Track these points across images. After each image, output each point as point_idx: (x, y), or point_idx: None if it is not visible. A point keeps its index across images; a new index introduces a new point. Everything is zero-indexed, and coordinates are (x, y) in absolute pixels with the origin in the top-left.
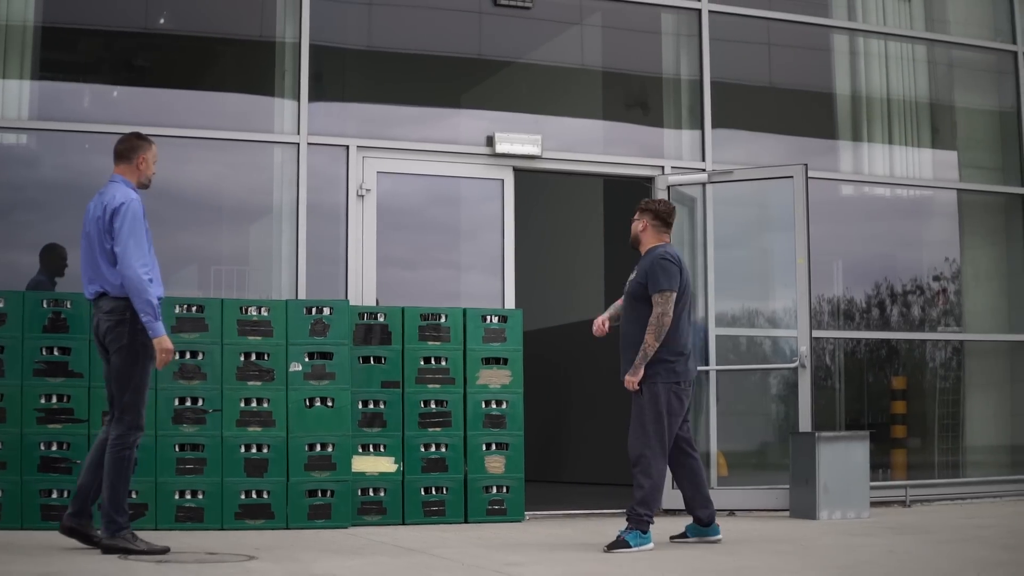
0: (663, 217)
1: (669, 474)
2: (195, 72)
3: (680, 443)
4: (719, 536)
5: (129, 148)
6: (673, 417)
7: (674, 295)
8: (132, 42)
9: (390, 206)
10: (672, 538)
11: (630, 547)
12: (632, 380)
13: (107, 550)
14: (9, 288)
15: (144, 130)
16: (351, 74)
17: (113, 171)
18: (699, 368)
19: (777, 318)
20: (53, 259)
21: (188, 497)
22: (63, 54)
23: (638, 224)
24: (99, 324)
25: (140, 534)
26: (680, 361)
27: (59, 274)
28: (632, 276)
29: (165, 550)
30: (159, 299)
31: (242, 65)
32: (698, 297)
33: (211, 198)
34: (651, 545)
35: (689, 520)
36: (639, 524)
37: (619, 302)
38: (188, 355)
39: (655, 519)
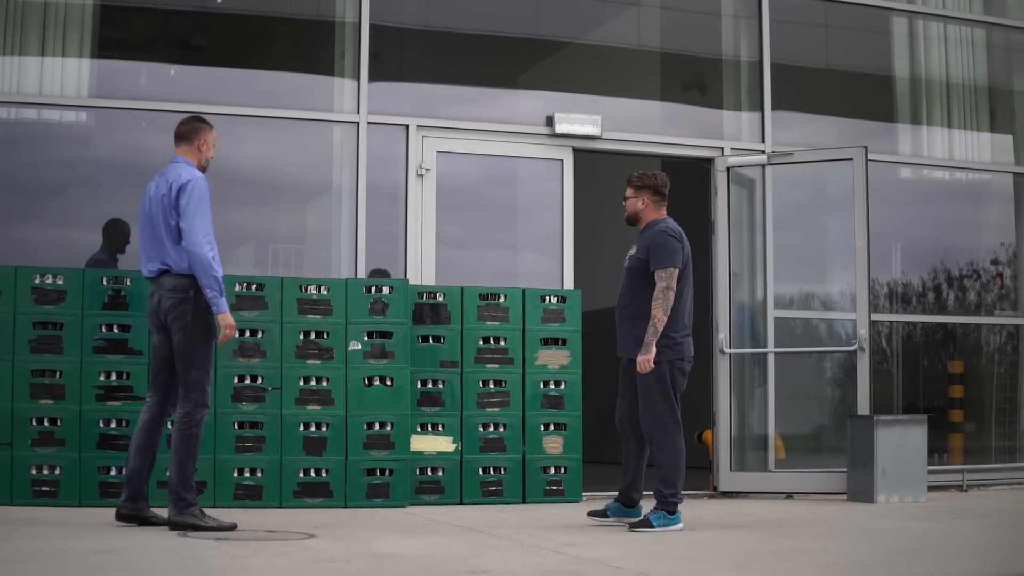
0: (661, 191)
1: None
2: (252, 51)
3: None
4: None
5: (191, 130)
6: (679, 393)
7: (677, 271)
8: (189, 21)
9: (447, 186)
10: (590, 513)
11: (652, 527)
12: (647, 359)
13: (175, 526)
14: (64, 265)
15: (202, 108)
16: (409, 53)
17: (175, 152)
18: (759, 351)
19: (832, 301)
20: (116, 235)
21: (247, 475)
22: (121, 32)
23: (636, 201)
24: (160, 301)
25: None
26: (684, 338)
27: (121, 251)
28: (631, 252)
29: (233, 527)
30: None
31: (300, 44)
32: (757, 279)
33: (268, 177)
34: (679, 526)
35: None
36: (665, 505)
37: None
38: (248, 333)
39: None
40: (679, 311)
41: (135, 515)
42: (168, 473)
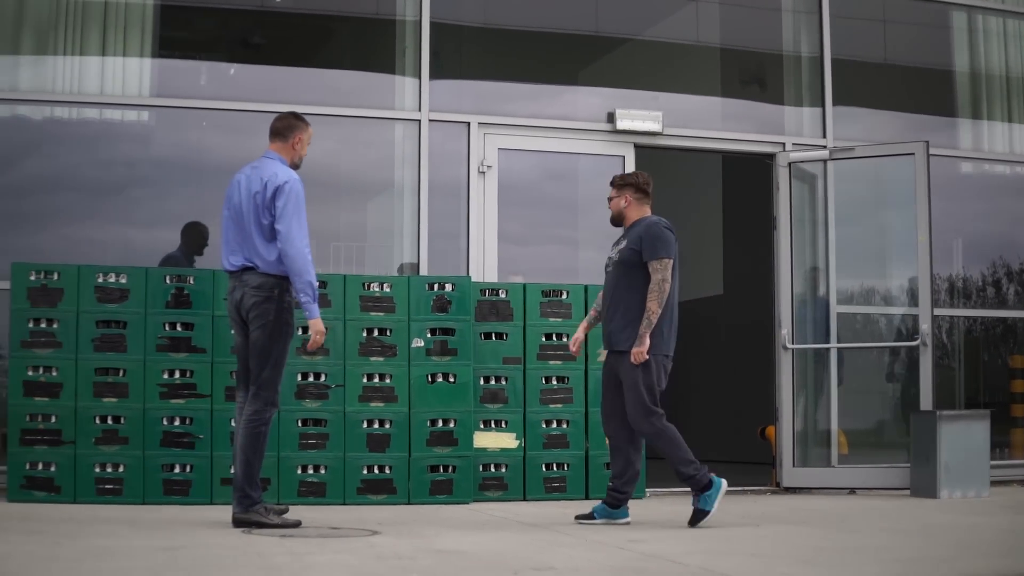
0: (644, 189)
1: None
2: (313, 50)
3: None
4: (628, 519)
5: (287, 127)
6: (662, 388)
7: (671, 263)
8: (249, 20)
9: (508, 182)
10: (577, 517)
11: (709, 511)
12: (641, 351)
13: (240, 524)
14: (124, 264)
15: (262, 107)
16: (469, 51)
17: (268, 148)
18: (822, 346)
19: (892, 296)
20: (195, 237)
21: (310, 472)
22: (181, 32)
23: (619, 200)
24: (243, 297)
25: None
26: (670, 332)
27: (199, 252)
28: (619, 247)
29: (297, 524)
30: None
31: (360, 42)
32: (819, 275)
33: (329, 175)
34: (723, 488)
35: (598, 503)
36: (696, 483)
37: (593, 312)
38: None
39: (704, 465)
40: (668, 305)
41: (281, 511)
42: (233, 470)
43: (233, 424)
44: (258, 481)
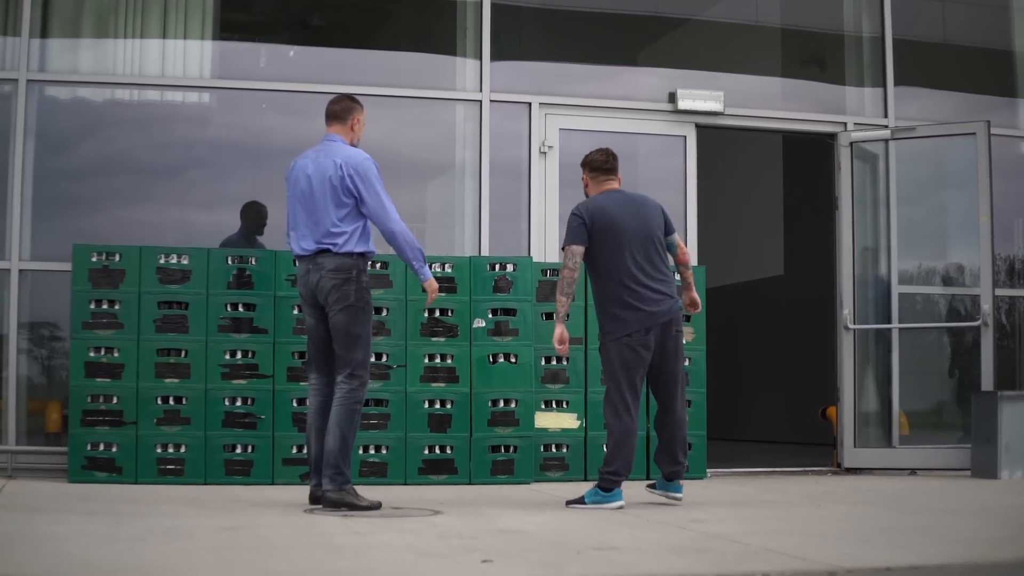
0: (599, 166)
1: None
2: (372, 31)
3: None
4: (680, 495)
5: (344, 109)
6: (632, 370)
7: (576, 248)
8: (308, 2)
9: (569, 163)
10: (648, 486)
11: (584, 504)
12: (554, 340)
13: (334, 504)
14: (184, 245)
15: (322, 88)
16: (529, 32)
17: (327, 131)
18: (884, 326)
19: (951, 276)
20: (254, 216)
21: (372, 452)
22: (241, 14)
23: (584, 181)
24: (320, 281)
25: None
26: (627, 311)
27: (260, 232)
28: None
29: (378, 505)
30: (369, 252)
31: (420, 24)
32: (880, 255)
33: (390, 156)
34: (615, 504)
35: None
36: (600, 481)
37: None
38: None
39: (622, 478)
40: (611, 284)
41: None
42: (328, 447)
43: (305, 405)
44: (350, 459)
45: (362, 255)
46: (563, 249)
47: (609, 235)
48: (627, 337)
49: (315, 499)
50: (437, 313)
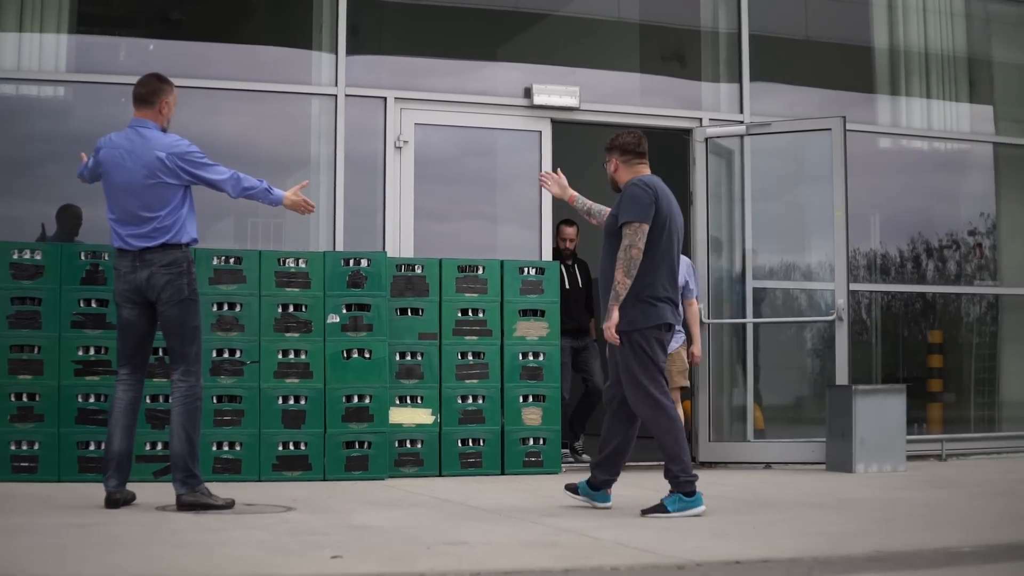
0: (631, 148)
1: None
2: (231, 25)
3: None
4: (609, 504)
5: (152, 92)
6: (661, 362)
7: (645, 227)
8: None
9: (426, 158)
10: (566, 487)
11: (668, 512)
12: (608, 326)
13: (189, 507)
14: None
15: (181, 83)
16: (388, 26)
17: (135, 115)
18: (737, 321)
19: (812, 271)
20: (70, 219)
21: (226, 449)
22: (99, 7)
23: (610, 166)
24: (151, 277)
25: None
26: (662, 304)
27: (75, 233)
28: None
29: (232, 503)
30: (194, 240)
31: (278, 18)
32: (735, 250)
33: (246, 150)
34: (699, 509)
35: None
36: (678, 486)
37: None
38: (226, 307)
39: (696, 473)
40: (655, 274)
41: (128, 500)
42: (175, 450)
43: (114, 402)
44: (199, 458)
45: (189, 245)
46: (624, 225)
47: (668, 221)
48: (656, 330)
49: (113, 502)
50: (291, 308)
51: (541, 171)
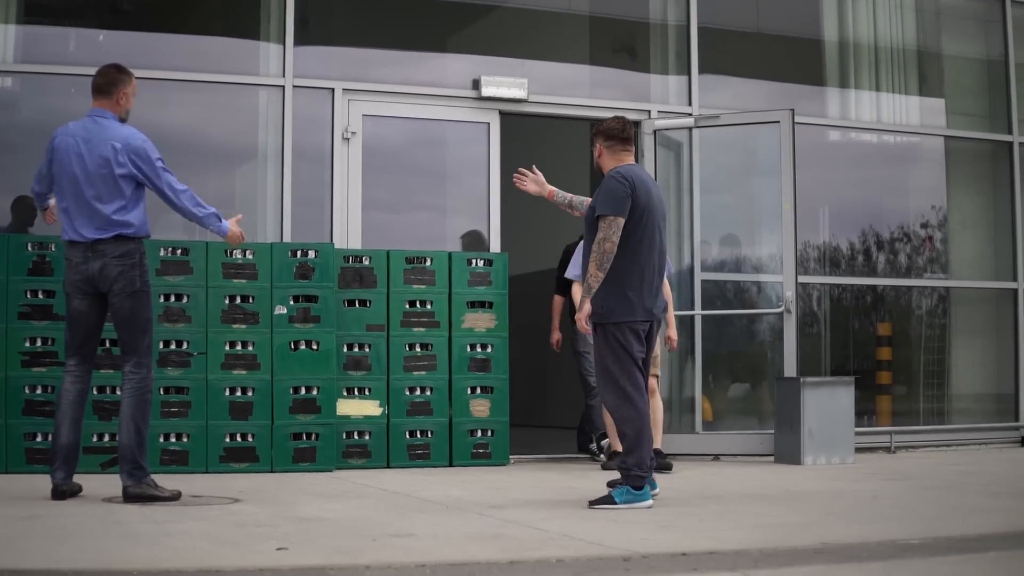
0: (615, 135)
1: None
2: (179, 15)
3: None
4: (656, 490)
5: (109, 82)
6: (636, 355)
7: (620, 220)
8: None
9: (374, 149)
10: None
11: (615, 504)
12: (580, 318)
13: (135, 499)
14: None
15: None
16: (336, 17)
17: (93, 105)
18: (685, 313)
19: (763, 264)
20: (24, 210)
21: (173, 440)
22: None
23: (595, 151)
24: (104, 268)
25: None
26: (638, 296)
27: (30, 224)
28: None
29: (179, 495)
30: (147, 234)
31: (227, 8)
32: (683, 242)
33: (195, 141)
34: (647, 503)
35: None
36: (628, 479)
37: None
38: (173, 298)
39: (649, 471)
40: (633, 265)
41: (75, 492)
42: (123, 442)
43: (62, 394)
44: (147, 450)
45: (142, 238)
46: (600, 218)
47: (646, 212)
48: (632, 322)
49: (60, 494)
50: (238, 300)
51: (517, 169)
